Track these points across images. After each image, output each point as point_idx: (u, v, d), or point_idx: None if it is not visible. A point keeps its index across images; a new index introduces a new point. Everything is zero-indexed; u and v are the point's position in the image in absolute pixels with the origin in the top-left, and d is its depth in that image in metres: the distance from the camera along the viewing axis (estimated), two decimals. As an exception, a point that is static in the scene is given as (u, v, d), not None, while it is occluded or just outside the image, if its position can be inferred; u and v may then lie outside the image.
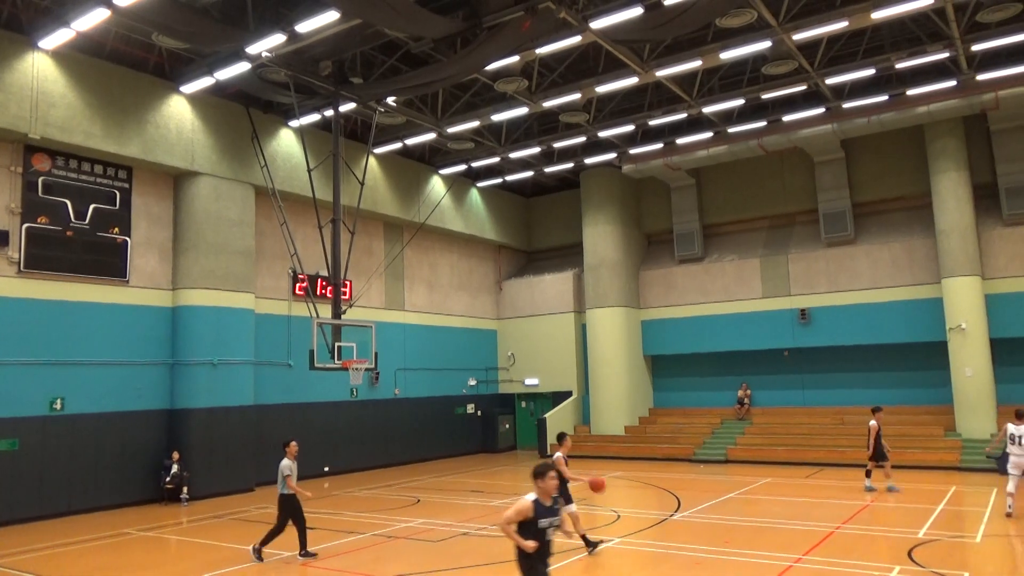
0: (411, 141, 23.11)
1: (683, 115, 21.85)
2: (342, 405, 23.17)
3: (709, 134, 23.26)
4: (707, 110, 21.35)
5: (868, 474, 17.09)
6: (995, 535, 12.15)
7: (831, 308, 24.10)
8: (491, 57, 16.68)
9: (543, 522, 6.18)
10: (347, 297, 21.93)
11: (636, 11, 14.83)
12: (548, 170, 27.02)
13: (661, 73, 18.54)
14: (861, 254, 24.03)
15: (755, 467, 21.79)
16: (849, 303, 23.83)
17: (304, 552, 11.70)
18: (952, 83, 19.81)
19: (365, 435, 23.72)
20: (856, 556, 10.86)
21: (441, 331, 27.43)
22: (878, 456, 16.93)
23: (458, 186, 27.78)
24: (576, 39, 16.40)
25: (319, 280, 22.24)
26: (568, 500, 11.51)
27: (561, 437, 12.07)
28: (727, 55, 17.67)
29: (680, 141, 23.84)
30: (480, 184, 28.62)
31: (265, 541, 11.68)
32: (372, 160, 23.85)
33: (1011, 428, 13.89)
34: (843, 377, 24.60)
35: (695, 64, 18.22)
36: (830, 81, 19.66)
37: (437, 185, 26.78)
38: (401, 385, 25.33)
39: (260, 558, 11.60)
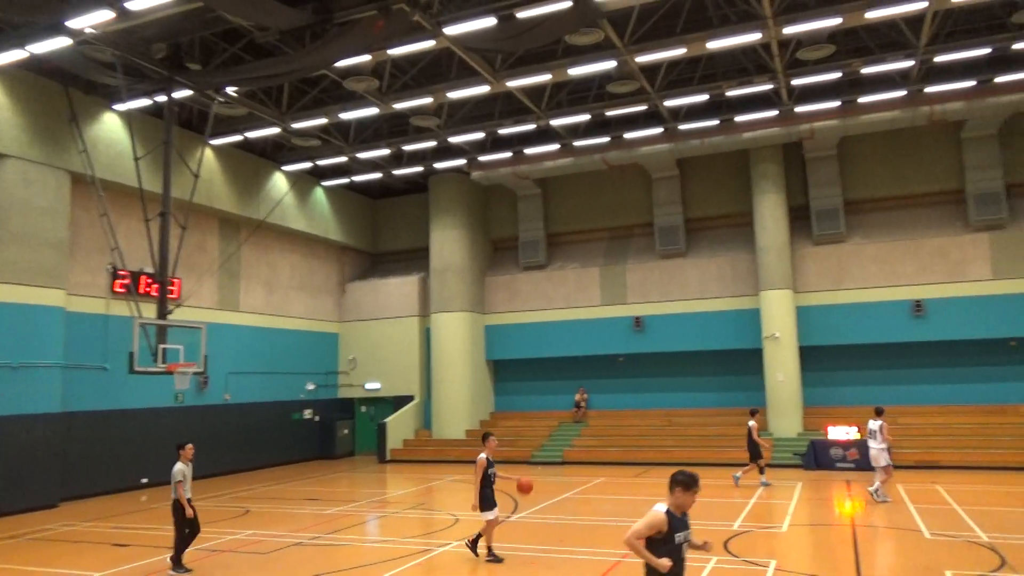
0: (252, 134, 22.06)
1: (532, 126, 22.38)
2: (164, 412, 21.62)
3: (556, 146, 23.97)
4: (555, 123, 21.98)
5: (762, 471, 18.20)
6: (799, 524, 13.33)
7: (663, 316, 25.54)
8: (341, 54, 16.26)
9: (679, 536, 5.52)
10: (175, 296, 20.48)
11: (490, 21, 15.01)
12: (397, 172, 26.74)
13: (512, 84, 18.88)
14: (691, 266, 25.65)
15: (590, 467, 22.62)
16: (679, 312, 25.38)
17: (177, 565, 10.97)
18: (775, 113, 21.62)
19: (191, 442, 22.15)
20: (679, 551, 11.50)
21: (279, 333, 26.33)
22: (754, 455, 18.11)
23: (302, 184, 26.84)
24: (429, 43, 16.36)
25: (142, 277, 20.62)
26: (491, 505, 11.26)
27: (486, 437, 11.85)
28: (575, 71, 18.28)
29: (528, 151, 24.38)
30: (325, 183, 27.81)
31: (177, 552, 11.04)
32: (208, 152, 22.51)
33: (870, 424, 15.77)
34: (672, 381, 26.13)
35: (545, 77, 18.71)
36: (668, 103, 20.85)
37: (279, 182, 25.73)
38: (233, 390, 24.03)
39: (183, 569, 10.87)
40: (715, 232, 26.29)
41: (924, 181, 23.86)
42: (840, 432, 20.92)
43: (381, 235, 31.43)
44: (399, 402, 28.01)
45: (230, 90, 18.94)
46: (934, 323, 22.41)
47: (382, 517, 15.80)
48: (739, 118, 22.01)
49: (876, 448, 15.52)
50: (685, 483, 5.59)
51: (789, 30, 16.44)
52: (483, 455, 11.38)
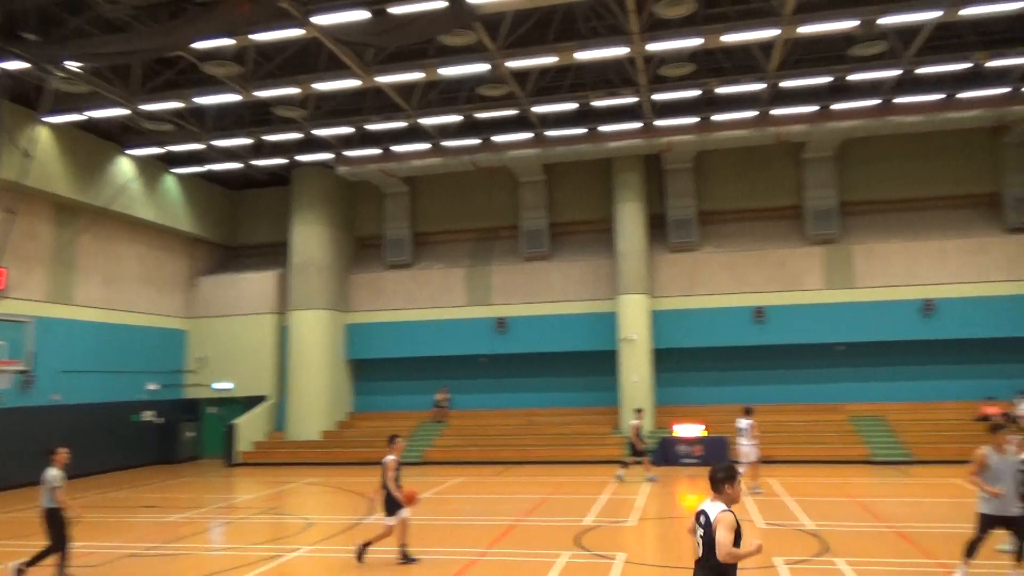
0: (96, 114, 20.44)
1: (402, 123, 22.11)
2: (-17, 413, 19.58)
3: (426, 145, 23.82)
4: (425, 122, 21.84)
5: (632, 465, 19.09)
6: (647, 518, 13.95)
7: (526, 318, 25.98)
8: (200, 35, 15.35)
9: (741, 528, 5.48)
10: None
11: (362, 14, 14.69)
12: (257, 163, 25.64)
13: (382, 79, 18.58)
14: (554, 269, 26.27)
15: (450, 467, 22.63)
16: (542, 313, 25.91)
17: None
18: (638, 125, 22.54)
19: (12, 448, 20.12)
20: (533, 546, 11.76)
21: (119, 329, 24.50)
22: (638, 451, 18.98)
23: (151, 170, 25.15)
24: (298, 32, 15.79)
25: (-37, 263, 18.59)
26: (395, 510, 10.85)
27: (392, 439, 11.29)
28: (447, 71, 18.24)
29: (397, 149, 24.09)
30: (177, 170, 26.18)
31: (34, 560, 10.14)
32: (44, 131, 20.63)
33: (739, 422, 16.82)
34: (533, 381, 26.64)
35: (416, 76, 18.54)
36: (537, 109, 21.24)
37: (125, 167, 23.97)
38: (65, 390, 22.06)
39: None
40: (578, 237, 27.06)
41: (769, 196, 25.68)
42: (687, 430, 22.11)
43: (239, 228, 30.03)
44: (251, 403, 26.84)
45: (72, 65, 17.45)
46: (774, 328, 24.14)
47: (228, 524, 15.06)
48: (604, 128, 22.76)
49: (746, 445, 16.69)
50: (734, 477, 5.56)
51: (653, 47, 17.19)
52: (391, 457, 10.97)
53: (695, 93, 20.53)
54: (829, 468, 20.12)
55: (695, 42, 17.01)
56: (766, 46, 18.31)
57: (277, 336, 27.32)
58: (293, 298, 26.56)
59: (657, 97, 20.60)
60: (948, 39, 18.85)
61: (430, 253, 28.09)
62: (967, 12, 15.91)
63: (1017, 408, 21.81)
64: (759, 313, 24.19)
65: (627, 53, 17.57)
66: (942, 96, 21.04)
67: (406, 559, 10.83)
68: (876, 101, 21.29)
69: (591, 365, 25.89)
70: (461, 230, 28.14)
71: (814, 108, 21.69)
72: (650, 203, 25.58)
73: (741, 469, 16.53)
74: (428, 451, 24.31)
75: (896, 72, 19.29)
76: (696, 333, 24.67)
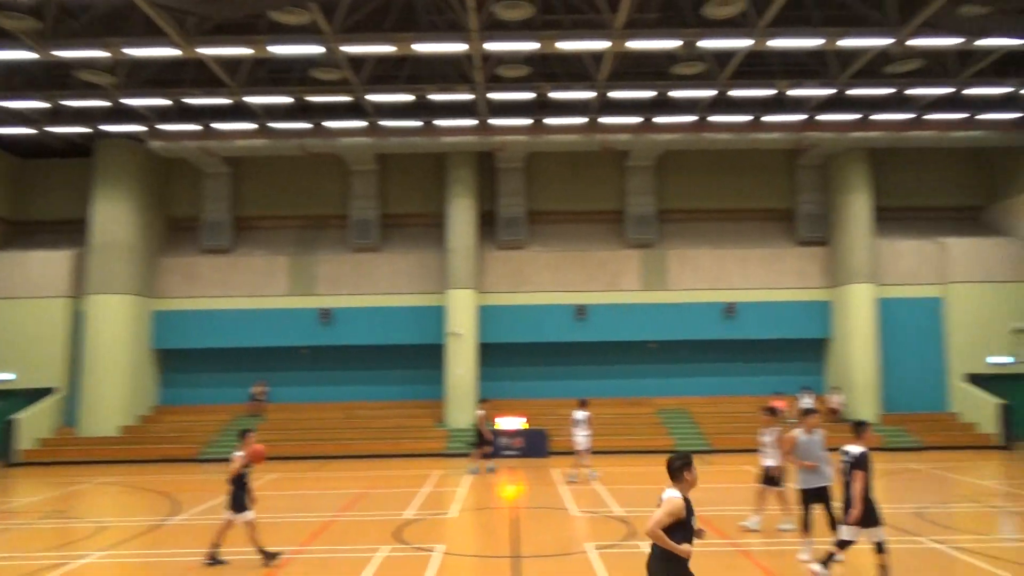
0: None
1: (226, 100, 20.85)
2: None
3: (252, 125, 22.60)
4: (251, 100, 20.73)
5: (487, 457, 19.27)
6: (467, 510, 14.10)
7: (352, 309, 25.40)
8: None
9: (694, 520, 5.42)
10: None
11: (181, -26, 13.66)
12: (54, 130, 23.12)
13: (205, 51, 17.40)
14: (384, 261, 25.89)
15: (265, 463, 21.59)
16: (369, 305, 25.44)
17: None
18: (473, 122, 22.72)
19: None
20: (350, 541, 11.52)
21: None
22: (482, 442, 19.01)
23: (-78, 127, 21.95)
24: (106, -13, 14.40)
25: None
26: (242, 508, 10.17)
27: (243, 434, 10.55)
28: (277, 49, 17.41)
29: (219, 126, 22.66)
30: (-45, 130, 23.05)
31: None
32: None
33: (576, 414, 17.34)
34: (355, 374, 26.12)
35: (243, 51, 17.53)
36: (372, 97, 20.81)
37: None
38: None
39: None
40: (409, 229, 26.85)
41: (594, 200, 26.88)
42: (509, 423, 22.67)
43: (28, 200, 26.91)
44: (35, 396, 24.14)
45: None
46: (594, 326, 25.30)
47: (4, 531, 13.46)
48: (439, 122, 22.74)
49: (582, 435, 17.32)
50: (681, 466, 5.55)
51: (490, 46, 17.41)
52: (240, 453, 10.39)
53: (529, 96, 21.05)
54: (638, 458, 21.35)
55: (531, 46, 17.42)
56: (597, 56, 19.11)
57: (70, 322, 24.76)
58: (92, 281, 24.19)
59: (493, 96, 20.88)
60: (757, 66, 20.66)
61: (251, 239, 26.71)
62: (773, 43, 17.51)
63: (800, 401, 24.35)
64: (581, 311, 25.25)
65: (465, 50, 17.66)
66: (750, 118, 23.04)
67: (214, 561, 10.19)
68: (693, 118, 22.92)
69: (416, 359, 25.80)
70: (286, 217, 27.00)
71: (638, 120, 22.97)
72: (482, 200, 25.91)
73: (582, 460, 17.41)
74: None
75: (712, 92, 20.87)
76: (521, 329, 25.32)
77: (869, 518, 8.27)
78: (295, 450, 22.82)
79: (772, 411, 11.66)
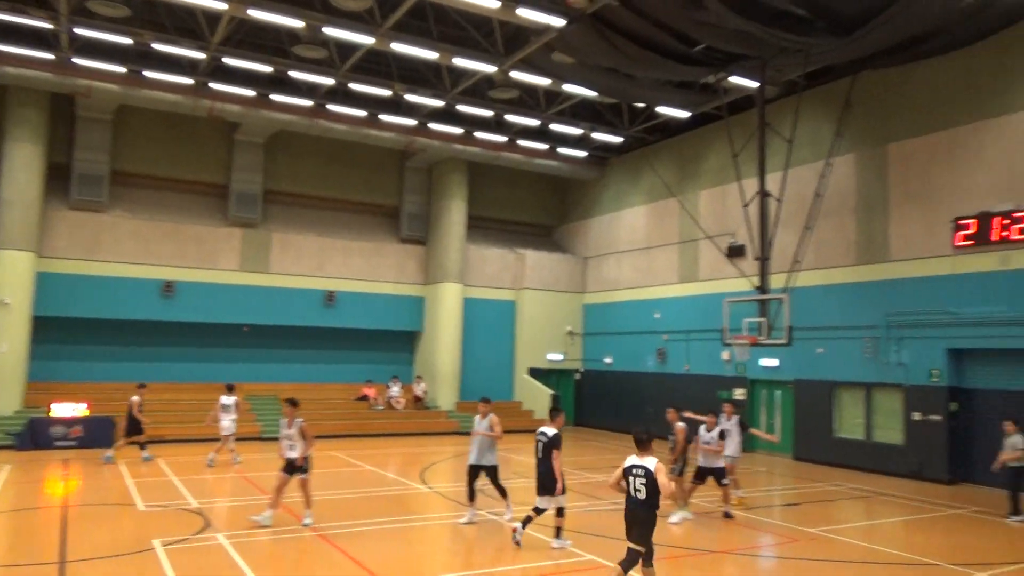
0: None
1: None
2: None
3: None
4: None
5: (143, 446, 17.40)
6: (3, 512, 11.83)
7: None
8: None
9: None
10: None
11: None
12: None
13: None
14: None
15: None
16: None
17: None
18: (49, 56, 19.29)
19: None
20: None
21: None
22: (132, 430, 17.13)
23: None
24: None
25: None
26: None
27: None
28: None
29: None
30: None
31: None
32: None
33: (223, 399, 17.03)
34: None
35: None
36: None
37: None
38: None
39: None
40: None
41: (195, 169, 24.82)
42: (66, 409, 19.55)
43: None
44: None
45: None
46: (182, 305, 23.34)
47: None
48: (5, 48, 18.89)
49: (228, 420, 16.96)
50: (654, 434, 7.82)
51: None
52: None
53: (127, 40, 18.63)
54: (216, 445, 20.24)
55: (136, -17, 15.45)
56: (212, 17, 17.74)
57: None
58: None
59: (81, 32, 18.00)
60: (378, 64, 21.20)
61: None
62: (396, 46, 18.12)
63: (390, 390, 25.61)
64: (168, 287, 23.11)
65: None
66: (365, 114, 23.53)
67: None
68: (310, 103, 22.60)
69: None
70: None
71: (252, 93, 21.88)
72: (53, 149, 22.14)
73: (226, 445, 17.05)
74: None
75: (331, 81, 20.80)
76: (92, 302, 22.22)
77: (553, 487, 9.99)
78: None
79: (293, 402, 11.41)
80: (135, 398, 17.42)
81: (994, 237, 16.17)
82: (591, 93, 21.38)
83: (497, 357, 28.26)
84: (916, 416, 17.43)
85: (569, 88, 20.92)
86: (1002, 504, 13.51)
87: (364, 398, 25.35)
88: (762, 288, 18.39)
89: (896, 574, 9.43)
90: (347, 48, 19.40)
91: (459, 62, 19.02)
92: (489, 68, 19.25)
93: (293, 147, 26.19)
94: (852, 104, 18.99)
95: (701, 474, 12.78)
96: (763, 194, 18.48)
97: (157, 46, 18.95)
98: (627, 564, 7.43)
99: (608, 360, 27.69)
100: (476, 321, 27.67)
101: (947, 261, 17.12)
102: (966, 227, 16.72)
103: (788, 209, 19.14)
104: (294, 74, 20.60)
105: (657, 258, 25.94)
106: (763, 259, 18.44)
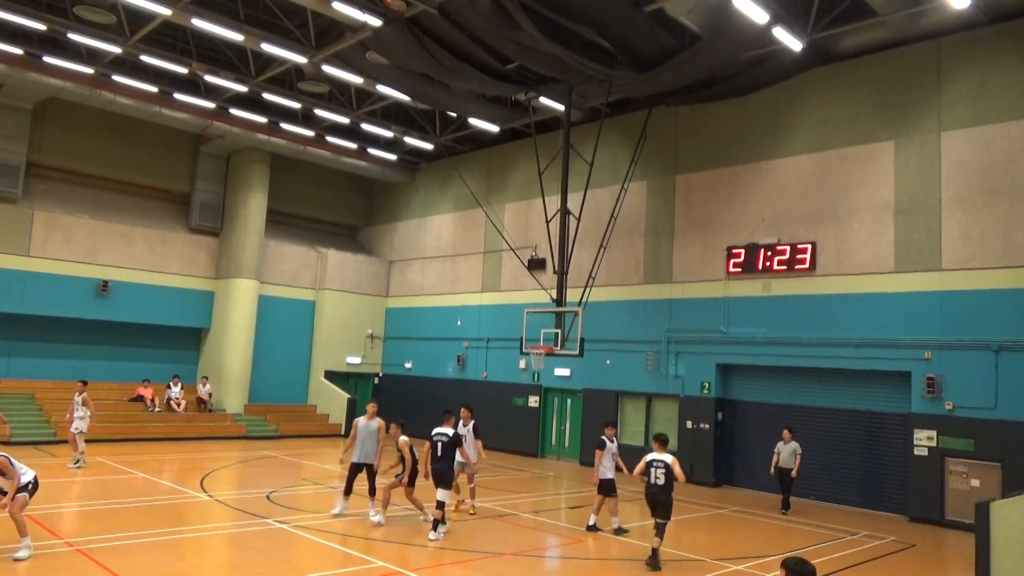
0: None
1: None
2: None
3: None
4: None
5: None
6: None
7: None
8: None
9: None
10: None
11: None
12: None
13: None
14: None
15: None
16: None
17: None
18: None
19: None
20: None
21: None
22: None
23: None
24: None
25: None
26: None
27: None
28: None
29: None
30: None
31: None
32: None
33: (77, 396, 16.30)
34: None
35: None
36: None
37: None
38: None
39: None
40: None
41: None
42: None
43: None
44: None
45: None
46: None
47: None
48: None
49: (78, 418, 16.26)
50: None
51: None
52: None
53: None
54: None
55: None
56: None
57: None
58: None
59: None
60: (174, 40, 19.61)
61: None
62: (197, 22, 16.83)
63: (170, 391, 23.64)
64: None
65: None
66: (156, 90, 21.66)
67: None
68: (90, 70, 20.40)
69: None
70: None
71: (19, 51, 19.37)
72: None
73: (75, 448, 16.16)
74: None
75: (117, 49, 18.89)
76: None
77: (450, 482, 11.58)
78: None
79: (142, 399, 11.47)
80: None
81: (759, 266, 18.16)
82: (404, 97, 21.25)
83: (292, 359, 27.13)
84: (689, 424, 19.07)
85: (382, 89, 20.65)
86: (760, 503, 15.10)
87: (140, 399, 23.19)
88: (559, 301, 19.24)
89: (666, 571, 10.20)
90: (140, 16, 17.76)
91: (267, 48, 18.08)
92: (299, 59, 18.48)
93: (68, 118, 23.50)
94: (647, 135, 20.46)
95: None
96: (564, 212, 19.37)
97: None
98: (659, 534, 10.18)
99: (408, 365, 27.57)
100: (271, 320, 26.38)
101: (720, 285, 18.94)
102: (737, 255, 18.63)
103: (585, 227, 20.21)
104: (73, 36, 18.46)
105: (461, 266, 26.28)
106: (561, 273, 19.31)
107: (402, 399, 27.44)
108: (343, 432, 25.77)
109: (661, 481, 10.21)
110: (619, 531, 12.39)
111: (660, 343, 19.92)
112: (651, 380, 20.11)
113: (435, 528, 11.13)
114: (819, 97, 17.82)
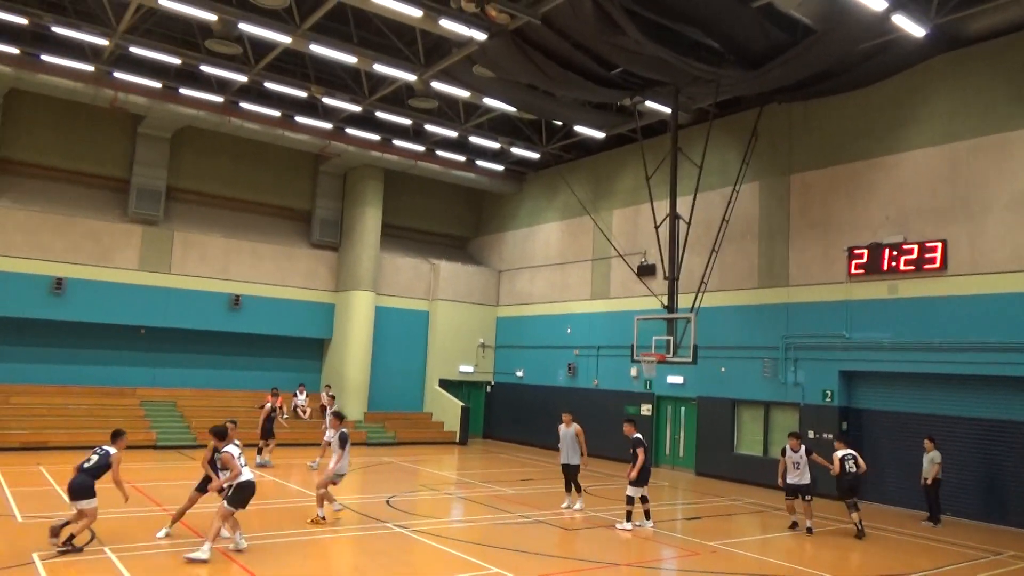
0: None
1: None
2: None
3: None
4: None
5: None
6: None
7: None
8: None
9: None
10: None
11: None
12: None
13: None
14: None
15: None
16: None
17: None
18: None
19: None
20: None
21: None
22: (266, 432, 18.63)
23: None
24: None
25: None
26: None
27: None
28: None
29: None
30: None
31: None
32: None
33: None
34: None
35: None
36: None
37: None
38: None
39: None
40: None
41: (94, 162, 23.62)
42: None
43: None
44: None
45: None
46: (74, 304, 22.03)
47: None
48: None
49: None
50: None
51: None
52: None
53: (20, 20, 17.52)
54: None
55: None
56: (120, 4, 16.94)
57: None
58: None
59: (-30, 8, 16.85)
60: (294, 65, 20.73)
61: None
62: (314, 47, 17.75)
63: (297, 399, 24.89)
64: (59, 284, 21.79)
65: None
66: (279, 114, 22.95)
67: None
68: (220, 99, 21.85)
69: None
70: None
71: (158, 85, 20.99)
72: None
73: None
74: None
75: (243, 78, 20.16)
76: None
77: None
78: None
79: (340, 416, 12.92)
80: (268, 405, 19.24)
81: (884, 267, 17.21)
82: (510, 108, 21.56)
83: (408, 367, 27.96)
84: (811, 434, 18.28)
85: (489, 102, 21.02)
86: (892, 517, 14.28)
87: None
88: (670, 307, 18.92)
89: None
90: (262, 46, 18.88)
91: (379, 68, 18.81)
92: (409, 76, 19.12)
93: (201, 144, 25.27)
94: (758, 135, 19.84)
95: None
96: (674, 216, 19.05)
97: (58, 29, 17.92)
98: (856, 509, 12.60)
99: (519, 373, 27.83)
100: (387, 330, 27.30)
101: (841, 288, 18.08)
102: (859, 256, 17.73)
103: (696, 232, 19.78)
104: (205, 68, 19.86)
105: (570, 274, 26.31)
106: (672, 279, 18.99)
107: (514, 407, 27.70)
108: (457, 439, 26.33)
109: (855, 469, 13.20)
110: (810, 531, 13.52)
111: (778, 349, 19.22)
112: (769, 388, 19.42)
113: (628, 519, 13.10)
114: (947, 85, 16.75)
